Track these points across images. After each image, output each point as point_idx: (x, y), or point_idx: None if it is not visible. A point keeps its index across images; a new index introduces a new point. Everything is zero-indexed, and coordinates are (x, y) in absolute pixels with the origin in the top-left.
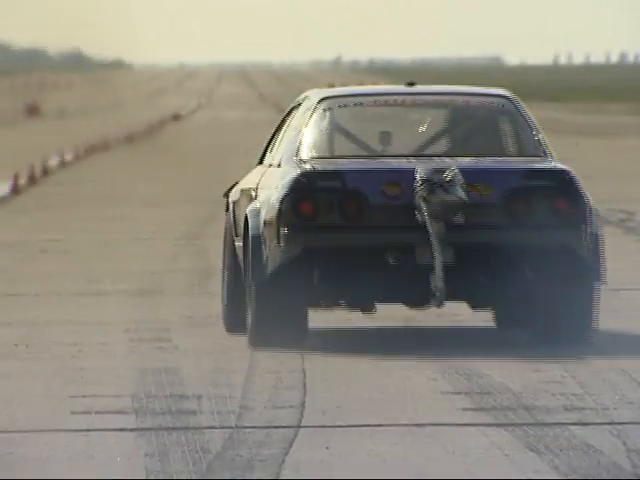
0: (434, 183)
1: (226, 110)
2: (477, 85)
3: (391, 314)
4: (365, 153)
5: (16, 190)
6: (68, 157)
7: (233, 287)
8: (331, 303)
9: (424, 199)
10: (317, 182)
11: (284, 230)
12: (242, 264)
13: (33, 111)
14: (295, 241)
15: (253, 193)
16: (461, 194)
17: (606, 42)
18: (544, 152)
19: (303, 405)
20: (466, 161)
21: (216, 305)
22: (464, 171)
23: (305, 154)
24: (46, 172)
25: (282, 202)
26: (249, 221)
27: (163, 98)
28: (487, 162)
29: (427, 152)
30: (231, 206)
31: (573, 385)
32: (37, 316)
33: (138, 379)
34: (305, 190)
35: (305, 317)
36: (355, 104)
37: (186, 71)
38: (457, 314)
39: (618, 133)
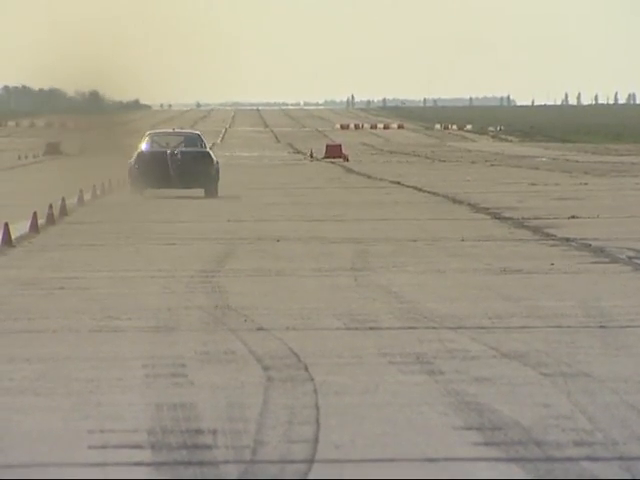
0: (173, 153)
1: (241, 149)
2: (486, 123)
3: (402, 351)
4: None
5: (35, 229)
6: (87, 196)
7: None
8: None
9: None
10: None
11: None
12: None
13: (53, 150)
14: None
15: None
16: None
17: (614, 83)
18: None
19: (317, 440)
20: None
21: (232, 342)
22: (183, 151)
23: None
24: (65, 211)
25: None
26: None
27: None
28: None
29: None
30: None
31: (583, 420)
32: (55, 352)
33: (154, 414)
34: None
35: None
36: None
37: (202, 111)
38: (468, 350)
39: (626, 173)
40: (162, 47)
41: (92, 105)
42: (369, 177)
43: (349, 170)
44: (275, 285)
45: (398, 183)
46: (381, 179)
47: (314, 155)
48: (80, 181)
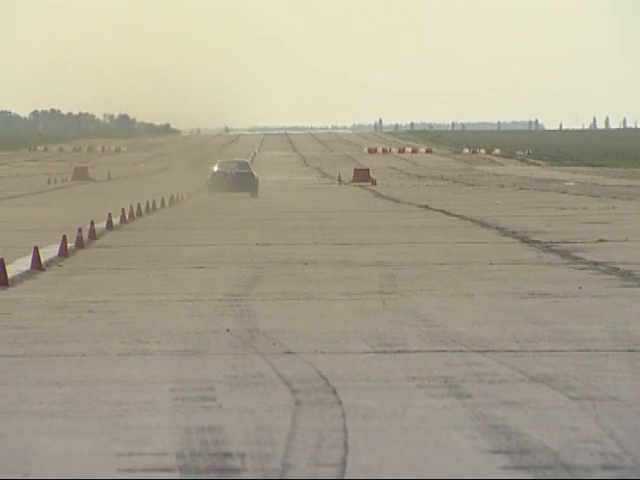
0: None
1: (269, 173)
2: (514, 147)
3: (430, 375)
4: None
5: (64, 253)
6: (115, 220)
7: None
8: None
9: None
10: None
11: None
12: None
13: (81, 175)
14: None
15: None
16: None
17: None
18: (249, 168)
19: (344, 463)
20: (237, 170)
21: (260, 365)
22: (237, 172)
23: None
24: (94, 235)
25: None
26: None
27: (207, 162)
28: (240, 170)
29: None
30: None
31: (611, 444)
32: (84, 375)
33: (183, 437)
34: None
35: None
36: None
37: (230, 136)
38: (497, 373)
39: None
40: (192, 73)
41: (121, 128)
42: (397, 201)
43: (377, 194)
44: (303, 308)
45: (426, 207)
46: (409, 203)
47: (342, 179)
48: (108, 206)
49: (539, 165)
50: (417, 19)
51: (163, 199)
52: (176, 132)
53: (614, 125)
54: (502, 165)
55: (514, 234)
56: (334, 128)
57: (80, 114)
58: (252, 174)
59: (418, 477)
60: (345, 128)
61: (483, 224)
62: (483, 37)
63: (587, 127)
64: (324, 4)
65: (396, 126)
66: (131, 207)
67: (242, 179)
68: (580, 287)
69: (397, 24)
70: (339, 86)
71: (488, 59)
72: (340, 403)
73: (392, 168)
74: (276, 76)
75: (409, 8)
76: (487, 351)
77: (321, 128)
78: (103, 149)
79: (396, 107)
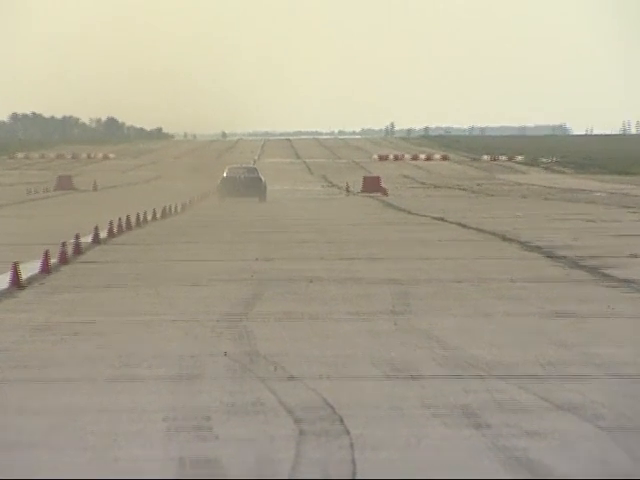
0: (240, 177)
1: (271, 183)
2: (538, 154)
3: (447, 402)
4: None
5: (47, 269)
6: (102, 234)
7: None
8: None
9: (239, 179)
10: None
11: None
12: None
13: (65, 185)
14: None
15: None
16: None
17: None
18: (257, 173)
19: None
20: (246, 175)
21: (260, 391)
22: (245, 176)
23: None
24: (79, 250)
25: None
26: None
27: (199, 172)
28: (249, 175)
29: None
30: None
31: None
32: (68, 403)
33: (176, 470)
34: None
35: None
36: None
37: (228, 142)
38: (518, 400)
39: None
40: (187, 74)
41: (109, 133)
42: (410, 213)
43: (388, 205)
44: (308, 330)
45: (442, 219)
46: (423, 215)
47: (350, 189)
48: (94, 218)
49: (565, 173)
50: (434, 18)
51: (155, 211)
52: (169, 137)
53: None
54: (525, 173)
55: (538, 249)
56: (341, 133)
57: (64, 117)
58: (260, 179)
59: None
60: (353, 133)
61: (504, 238)
62: (503, 35)
63: (618, 132)
64: (331, 4)
65: (409, 131)
66: (120, 219)
67: (250, 184)
68: (610, 307)
69: (411, 22)
70: (346, 88)
71: (508, 58)
72: (348, 433)
73: (405, 176)
74: (277, 78)
75: (425, 7)
76: (508, 376)
77: (327, 133)
78: (89, 156)
79: (409, 110)
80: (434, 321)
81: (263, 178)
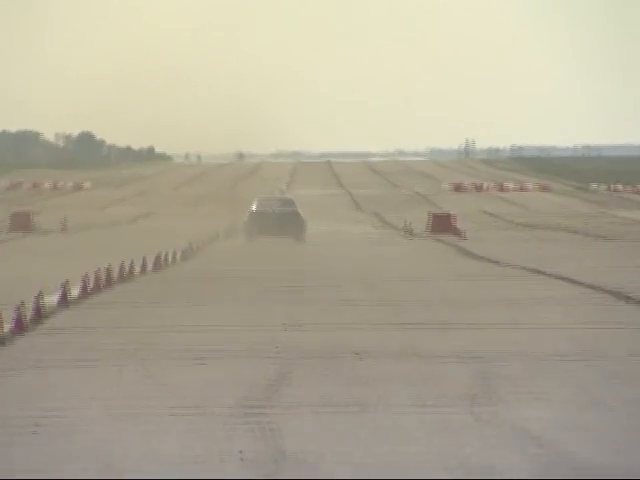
0: (274, 212)
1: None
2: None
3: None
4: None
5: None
6: (73, 291)
7: None
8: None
9: (272, 214)
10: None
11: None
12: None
13: (22, 223)
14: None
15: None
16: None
17: None
18: (294, 206)
19: None
20: (280, 209)
21: None
22: (280, 210)
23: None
24: (41, 313)
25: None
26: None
27: (207, 207)
28: (284, 209)
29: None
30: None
31: None
32: None
33: None
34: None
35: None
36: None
37: (246, 165)
38: None
39: None
40: (187, 77)
41: (83, 154)
42: (495, 263)
43: (465, 252)
44: (354, 424)
45: (539, 272)
46: (513, 265)
47: (412, 230)
48: (63, 270)
49: None
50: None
51: (145, 260)
52: (165, 159)
53: None
54: None
55: None
56: (400, 153)
57: (20, 133)
58: (298, 213)
59: None
60: (416, 154)
61: (629, 298)
62: (621, 34)
63: None
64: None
65: (493, 150)
66: (97, 272)
67: (286, 220)
68: None
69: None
70: (406, 94)
71: (624, 61)
72: None
73: (488, 214)
74: (311, 81)
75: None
76: None
77: (380, 154)
78: (55, 185)
79: (493, 123)
80: (528, 412)
81: (302, 213)
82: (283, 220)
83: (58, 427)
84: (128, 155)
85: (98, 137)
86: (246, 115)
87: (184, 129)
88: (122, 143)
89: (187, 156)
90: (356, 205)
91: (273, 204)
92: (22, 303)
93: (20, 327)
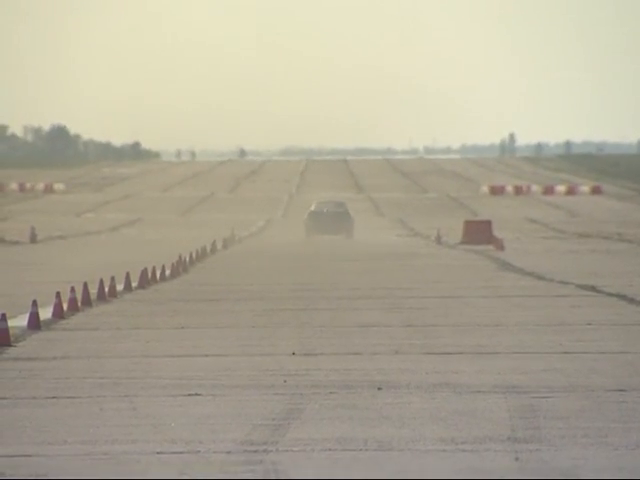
0: (328, 212)
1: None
2: None
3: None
4: None
5: None
6: (44, 313)
7: None
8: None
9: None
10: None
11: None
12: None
13: None
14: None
15: None
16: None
17: None
18: (345, 208)
19: None
20: (333, 210)
21: None
22: (332, 211)
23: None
24: (7, 339)
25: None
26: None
27: (202, 211)
28: (337, 210)
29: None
30: None
31: None
32: None
33: None
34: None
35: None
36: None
37: (247, 162)
38: None
39: None
40: (180, 62)
41: (55, 150)
42: (540, 278)
43: (505, 265)
44: (375, 467)
45: (592, 288)
46: (561, 281)
47: (443, 239)
48: (31, 289)
49: None
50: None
51: (129, 275)
52: (152, 156)
53: None
54: None
55: None
56: (428, 151)
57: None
58: (348, 214)
59: None
60: (449, 150)
61: None
62: None
63: None
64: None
65: (538, 146)
66: (73, 290)
67: (338, 218)
68: None
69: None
70: (436, 82)
71: None
72: None
73: (531, 220)
74: (321, 67)
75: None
76: None
77: (405, 151)
78: (22, 187)
79: (538, 115)
80: (580, 453)
81: (352, 213)
82: (336, 218)
83: (27, 474)
84: (108, 152)
85: (73, 131)
86: (246, 106)
87: (174, 121)
88: (101, 138)
89: (179, 153)
90: (377, 210)
91: (328, 205)
92: None
93: None
